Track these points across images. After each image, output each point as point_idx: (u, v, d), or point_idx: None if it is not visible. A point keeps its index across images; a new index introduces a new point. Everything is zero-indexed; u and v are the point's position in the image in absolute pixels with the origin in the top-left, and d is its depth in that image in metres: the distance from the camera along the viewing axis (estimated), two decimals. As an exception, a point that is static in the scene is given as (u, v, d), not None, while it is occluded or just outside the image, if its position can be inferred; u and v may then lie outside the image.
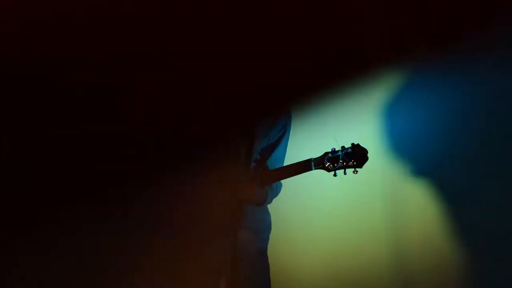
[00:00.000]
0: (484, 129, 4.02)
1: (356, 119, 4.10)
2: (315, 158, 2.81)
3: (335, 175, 2.80)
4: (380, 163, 4.07)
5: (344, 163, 2.76)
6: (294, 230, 4.20)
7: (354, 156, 2.75)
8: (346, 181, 4.06)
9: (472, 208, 4.05)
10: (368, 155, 2.77)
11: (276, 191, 3.16)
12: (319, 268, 4.23)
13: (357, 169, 2.76)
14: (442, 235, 4.09)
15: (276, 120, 3.18)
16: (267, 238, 3.21)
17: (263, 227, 3.18)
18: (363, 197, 4.19)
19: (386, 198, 4.15)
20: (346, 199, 4.21)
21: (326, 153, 2.80)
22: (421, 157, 4.10)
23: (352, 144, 2.77)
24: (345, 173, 2.78)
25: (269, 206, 3.23)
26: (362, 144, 2.80)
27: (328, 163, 2.78)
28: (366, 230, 4.21)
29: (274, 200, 3.20)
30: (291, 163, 2.97)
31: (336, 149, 2.78)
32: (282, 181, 3.19)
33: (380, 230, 4.16)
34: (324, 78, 4.14)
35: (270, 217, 3.23)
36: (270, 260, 3.23)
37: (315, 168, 2.81)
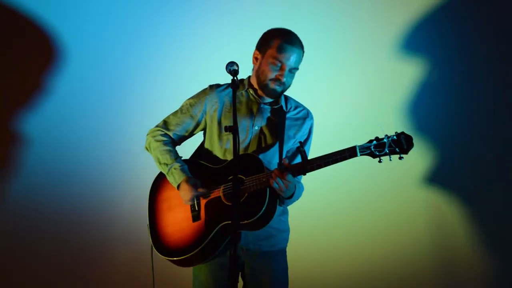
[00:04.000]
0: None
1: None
2: (360, 145, 2.87)
3: (380, 161, 2.85)
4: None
5: (391, 149, 2.83)
6: (314, 231, 4.20)
7: (400, 143, 2.82)
8: (364, 180, 4.12)
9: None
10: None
11: (298, 194, 3.15)
12: (340, 268, 4.22)
13: (402, 155, 2.83)
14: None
15: (301, 124, 3.23)
16: (287, 239, 3.23)
17: (284, 227, 3.21)
18: (380, 200, 4.20)
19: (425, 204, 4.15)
20: (367, 198, 4.22)
21: (371, 140, 2.87)
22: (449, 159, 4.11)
23: (396, 132, 2.85)
24: (390, 159, 2.84)
25: (288, 207, 3.24)
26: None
27: (374, 149, 2.84)
28: (376, 230, 4.21)
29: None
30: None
31: (380, 137, 2.85)
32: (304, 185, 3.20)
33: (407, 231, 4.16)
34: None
35: (287, 217, 3.25)
36: (289, 260, 3.23)
37: (361, 154, 2.87)
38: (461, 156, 4.13)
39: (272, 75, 3.09)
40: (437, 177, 4.13)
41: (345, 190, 4.23)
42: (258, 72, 3.14)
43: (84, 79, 4.42)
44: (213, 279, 3.10)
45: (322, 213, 4.24)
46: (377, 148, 2.83)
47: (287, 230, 3.22)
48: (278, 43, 3.09)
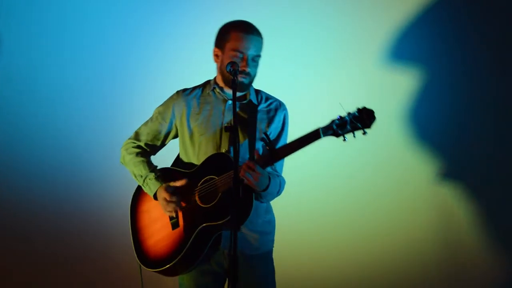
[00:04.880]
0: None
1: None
2: (322, 126, 2.81)
3: (344, 139, 2.78)
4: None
5: (353, 126, 2.75)
6: (299, 232, 4.19)
7: (362, 118, 2.74)
8: (353, 182, 4.11)
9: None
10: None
11: (281, 186, 3.10)
12: (325, 270, 4.21)
13: (366, 130, 2.75)
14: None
15: (273, 116, 3.17)
16: (272, 240, 3.20)
17: (268, 229, 3.17)
18: (369, 196, 4.19)
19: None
20: (353, 200, 4.21)
21: (333, 120, 2.80)
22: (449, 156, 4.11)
23: (358, 108, 2.76)
24: (354, 136, 2.77)
25: (273, 207, 3.20)
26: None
27: (337, 128, 2.77)
28: (375, 230, 4.21)
29: (281, 197, 3.15)
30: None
31: (343, 115, 2.77)
32: (289, 170, 3.17)
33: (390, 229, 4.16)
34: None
35: (274, 219, 3.21)
36: (275, 263, 3.20)
37: (324, 135, 2.80)
38: (462, 156, 4.12)
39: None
40: (438, 177, 4.12)
41: (344, 189, 4.22)
42: (221, 68, 3.10)
43: (84, 79, 4.43)
44: (196, 285, 3.10)
45: (317, 214, 4.23)
46: (339, 126, 2.77)
47: (271, 232, 3.18)
48: (234, 34, 3.06)
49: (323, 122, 4.07)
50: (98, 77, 4.43)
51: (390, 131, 4.15)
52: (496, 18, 4.07)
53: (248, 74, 3.05)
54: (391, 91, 4.17)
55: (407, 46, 4.15)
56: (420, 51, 4.14)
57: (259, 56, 3.09)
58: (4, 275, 4.43)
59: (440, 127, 4.13)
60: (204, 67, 4.23)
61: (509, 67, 4.07)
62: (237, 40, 3.05)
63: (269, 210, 3.17)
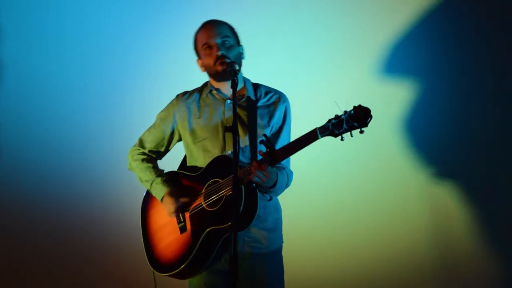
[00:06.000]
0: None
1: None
2: (319, 127, 2.77)
3: (342, 139, 2.73)
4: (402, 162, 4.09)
5: (349, 125, 2.69)
6: (308, 229, 4.19)
7: (358, 117, 2.67)
8: (361, 179, 4.12)
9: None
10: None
11: (289, 178, 3.11)
12: (335, 267, 4.22)
13: (363, 128, 2.69)
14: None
15: (274, 109, 3.16)
16: (281, 237, 3.19)
17: (277, 227, 3.17)
18: (375, 195, 4.20)
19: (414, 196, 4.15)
20: (362, 196, 4.21)
21: (330, 120, 2.76)
22: (445, 157, 4.11)
23: (354, 106, 2.70)
24: (351, 135, 2.72)
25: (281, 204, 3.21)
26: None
27: (333, 127, 2.72)
28: (376, 230, 4.21)
29: (286, 198, 3.16)
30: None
31: (339, 114, 2.73)
32: (293, 171, 3.16)
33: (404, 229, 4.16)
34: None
35: (281, 215, 3.22)
36: (284, 260, 3.20)
37: (322, 136, 2.76)
38: (462, 156, 4.12)
39: (212, 60, 3.08)
40: (437, 178, 4.12)
41: (344, 190, 4.22)
42: (206, 70, 3.16)
43: (84, 79, 4.43)
44: (205, 282, 3.11)
45: (320, 213, 4.23)
46: (336, 126, 2.72)
47: (280, 229, 3.18)
48: (197, 36, 3.19)
49: (323, 122, 4.10)
50: (98, 77, 4.43)
51: (390, 131, 4.15)
52: (497, 20, 4.07)
53: (225, 57, 3.05)
54: (391, 91, 4.17)
55: (407, 46, 4.15)
56: (420, 51, 4.14)
57: (227, 36, 3.11)
58: (5, 275, 4.43)
59: (440, 127, 4.13)
60: (204, 67, 4.25)
61: (509, 70, 4.07)
62: (199, 38, 3.17)
63: (278, 208, 3.18)
